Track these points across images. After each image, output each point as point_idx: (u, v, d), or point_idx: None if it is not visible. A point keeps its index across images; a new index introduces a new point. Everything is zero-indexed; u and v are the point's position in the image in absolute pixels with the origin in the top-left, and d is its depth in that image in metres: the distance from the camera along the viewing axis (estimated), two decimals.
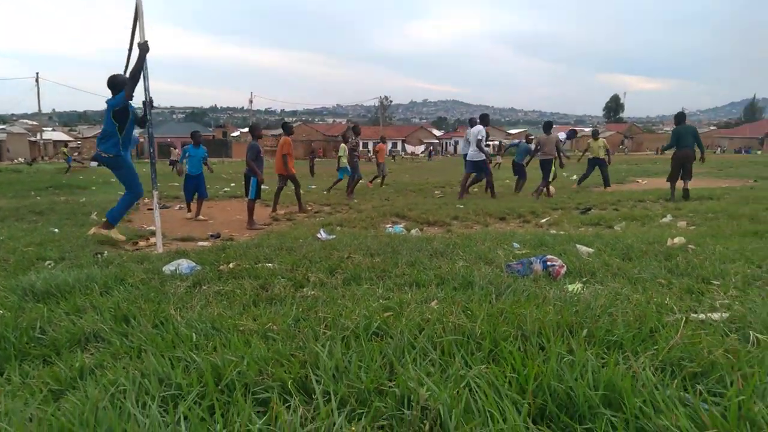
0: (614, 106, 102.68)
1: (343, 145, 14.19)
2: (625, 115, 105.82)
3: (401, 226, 7.41)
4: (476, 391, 1.40)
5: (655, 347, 1.82)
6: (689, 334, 1.93)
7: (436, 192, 13.68)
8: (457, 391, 1.38)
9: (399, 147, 69.75)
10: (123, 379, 1.61)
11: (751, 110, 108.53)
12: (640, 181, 16.75)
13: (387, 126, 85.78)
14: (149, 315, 2.47)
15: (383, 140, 18.54)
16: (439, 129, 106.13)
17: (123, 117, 5.81)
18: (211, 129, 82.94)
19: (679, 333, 1.84)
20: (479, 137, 11.17)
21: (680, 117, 10.64)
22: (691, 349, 1.76)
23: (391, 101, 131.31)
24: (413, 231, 6.84)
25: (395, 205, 9.86)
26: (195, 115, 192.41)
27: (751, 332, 1.96)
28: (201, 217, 9.27)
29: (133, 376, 1.61)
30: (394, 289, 3.04)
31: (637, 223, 7.77)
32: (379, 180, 16.46)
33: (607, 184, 13.59)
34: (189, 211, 9.78)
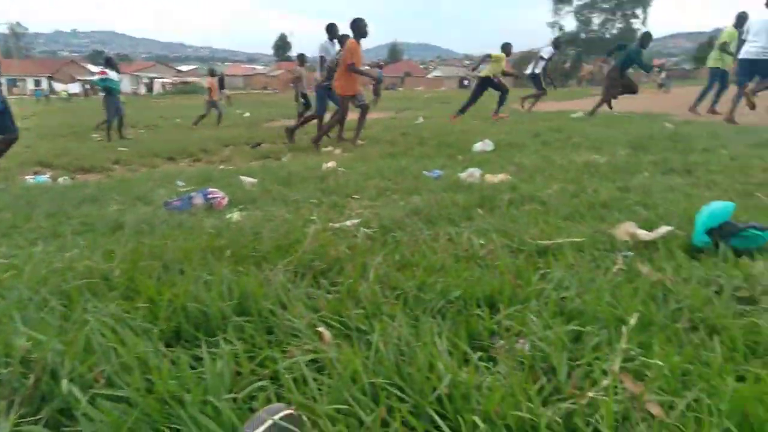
0: (282, 45, 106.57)
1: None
2: (293, 54, 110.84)
3: (46, 176, 6.33)
4: (101, 330, 1.30)
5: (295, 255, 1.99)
6: (324, 238, 2.18)
7: (93, 135, 12.10)
8: (76, 335, 1.25)
9: (44, 85, 58.58)
10: None
11: (394, 52, 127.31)
12: None
13: (25, 60, 70.91)
14: None
15: (212, 74, 15.94)
16: (95, 64, 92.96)
17: None
18: None
19: (308, 238, 2.05)
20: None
21: None
22: (321, 251, 1.99)
23: (26, 29, 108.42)
24: (61, 179, 5.93)
25: (38, 152, 8.32)
26: None
27: (362, 229, 2.34)
28: None
29: None
30: (24, 246, 2.58)
31: (303, 153, 8.38)
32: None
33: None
34: None
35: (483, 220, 2.74)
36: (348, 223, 2.70)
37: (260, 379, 1.19)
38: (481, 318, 1.46)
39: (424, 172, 4.60)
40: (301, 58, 12.43)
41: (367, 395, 1.12)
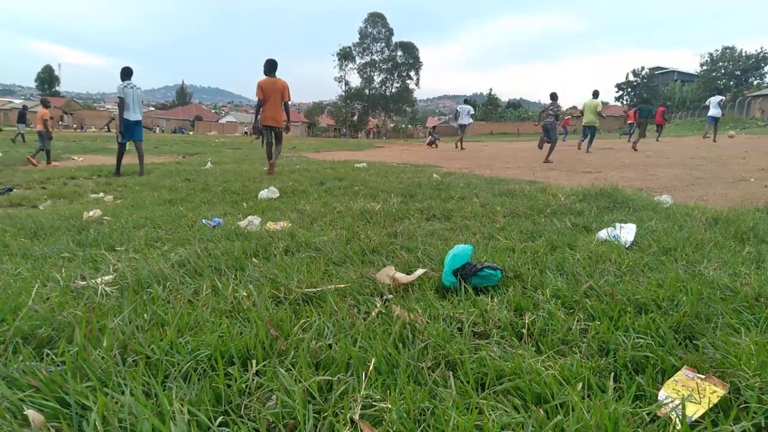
0: (48, 78, 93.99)
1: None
2: (61, 89, 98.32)
3: None
4: None
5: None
6: (57, 299, 1.88)
7: None
8: None
9: None
10: None
11: (182, 94, 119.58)
12: (76, 158, 16.06)
13: None
14: None
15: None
16: None
17: None
18: None
19: (30, 300, 1.75)
20: None
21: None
22: (50, 315, 1.70)
23: None
24: None
25: None
26: None
27: (101, 286, 2.09)
28: None
29: None
30: None
31: (65, 200, 7.37)
32: None
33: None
34: None
35: (256, 269, 2.67)
36: (99, 280, 2.39)
37: None
38: (230, 377, 1.37)
39: (203, 220, 4.37)
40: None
41: None
